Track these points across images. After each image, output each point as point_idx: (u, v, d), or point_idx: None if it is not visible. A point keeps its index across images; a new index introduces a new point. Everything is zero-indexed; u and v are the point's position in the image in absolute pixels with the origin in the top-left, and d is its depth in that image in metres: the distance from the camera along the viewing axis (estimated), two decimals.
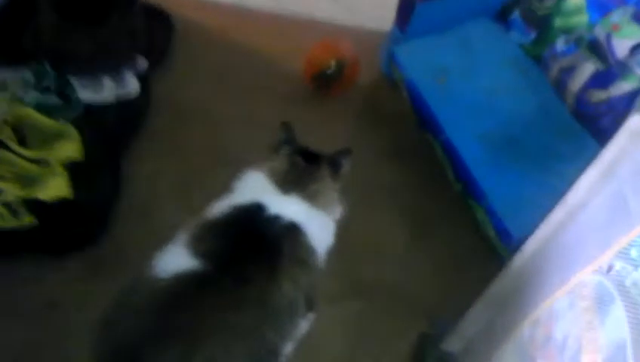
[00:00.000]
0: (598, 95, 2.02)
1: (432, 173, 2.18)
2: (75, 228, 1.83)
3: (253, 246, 1.31)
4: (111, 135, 2.07)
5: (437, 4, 2.22)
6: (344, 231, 1.51)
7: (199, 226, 1.35)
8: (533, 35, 2.29)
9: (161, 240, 1.31)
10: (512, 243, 1.80)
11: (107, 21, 2.05)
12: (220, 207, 1.39)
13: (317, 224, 1.41)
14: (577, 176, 1.20)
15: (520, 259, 1.40)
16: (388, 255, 2.01)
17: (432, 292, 1.91)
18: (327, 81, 2.35)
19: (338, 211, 1.50)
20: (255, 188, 1.41)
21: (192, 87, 2.34)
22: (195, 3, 2.64)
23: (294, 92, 2.39)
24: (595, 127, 2.03)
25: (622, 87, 1.96)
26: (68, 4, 2.01)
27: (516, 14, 2.33)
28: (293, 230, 1.35)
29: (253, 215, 1.35)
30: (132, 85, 2.20)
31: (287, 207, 1.37)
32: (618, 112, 1.96)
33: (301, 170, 1.44)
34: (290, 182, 1.41)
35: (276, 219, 1.34)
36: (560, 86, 2.15)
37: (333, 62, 2.32)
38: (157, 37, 2.41)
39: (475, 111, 2.09)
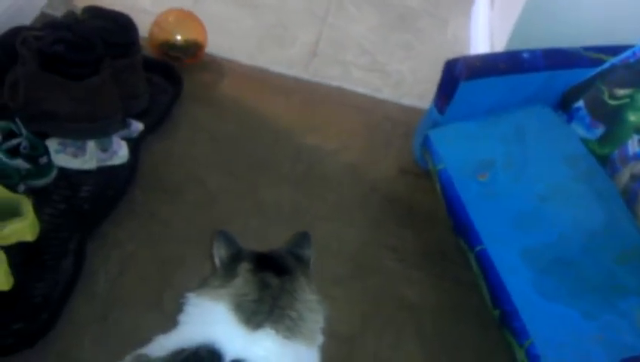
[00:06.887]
0: None
1: (467, 291, 1.77)
2: (12, 324, 1.50)
3: None
4: (83, 210, 1.75)
5: (485, 83, 1.85)
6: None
7: None
8: (600, 130, 1.86)
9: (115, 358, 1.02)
10: None
11: (93, 78, 1.76)
12: (162, 347, 1.03)
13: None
14: None
15: None
16: None
17: None
18: (173, 52, 2.26)
19: (319, 328, 1.12)
20: (211, 323, 1.04)
21: (189, 158, 2.01)
22: (213, 64, 2.33)
23: (301, 173, 2.04)
24: None
25: None
26: (52, 53, 1.73)
27: (581, 103, 1.92)
28: None
29: None
30: (120, 152, 1.90)
31: (256, 348, 1.00)
32: None
33: (277, 290, 1.08)
34: (262, 313, 1.04)
35: None
36: (630, 197, 1.73)
37: (179, 38, 2.23)
38: (160, 98, 2.11)
39: (521, 220, 1.69)
